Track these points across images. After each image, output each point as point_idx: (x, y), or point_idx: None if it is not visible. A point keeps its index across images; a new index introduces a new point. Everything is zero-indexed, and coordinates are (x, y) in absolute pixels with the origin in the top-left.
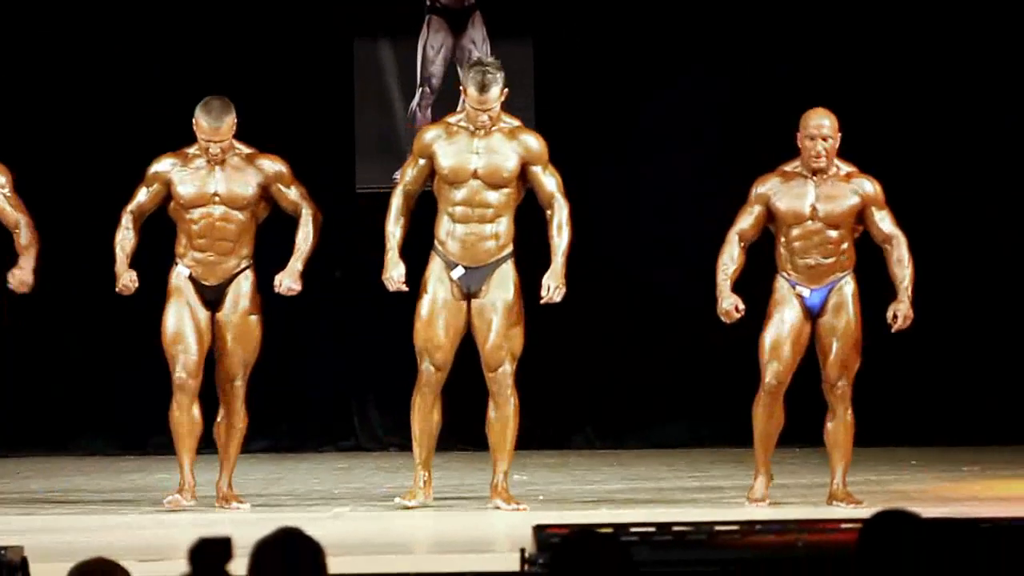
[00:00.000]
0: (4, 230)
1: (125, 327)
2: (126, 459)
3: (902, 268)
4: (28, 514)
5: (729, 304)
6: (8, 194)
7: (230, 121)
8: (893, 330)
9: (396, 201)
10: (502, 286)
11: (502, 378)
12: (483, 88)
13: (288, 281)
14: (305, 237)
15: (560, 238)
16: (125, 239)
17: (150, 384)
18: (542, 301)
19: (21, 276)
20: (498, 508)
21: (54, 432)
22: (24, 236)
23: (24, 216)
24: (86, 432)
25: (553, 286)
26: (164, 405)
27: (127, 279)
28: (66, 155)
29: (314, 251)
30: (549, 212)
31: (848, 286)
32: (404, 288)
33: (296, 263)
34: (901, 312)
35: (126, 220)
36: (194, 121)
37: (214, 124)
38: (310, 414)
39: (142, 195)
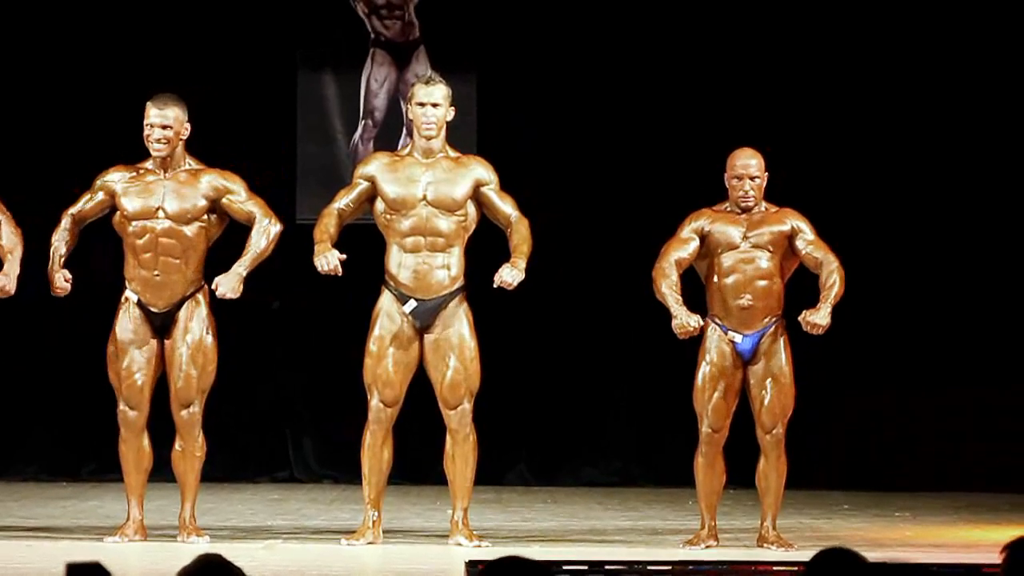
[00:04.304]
0: None
1: (62, 348)
2: (59, 485)
3: (829, 283)
4: None
5: (694, 321)
6: None
7: (178, 112)
8: (803, 327)
9: (324, 220)
10: (457, 321)
11: (461, 415)
12: (429, 80)
13: (225, 287)
14: (256, 242)
15: (525, 245)
16: (61, 240)
17: (86, 409)
18: (495, 284)
19: (3, 283)
20: (459, 545)
21: None
22: (5, 236)
23: (4, 214)
24: (19, 457)
25: (510, 271)
26: (99, 430)
27: (60, 280)
28: (12, 170)
29: (262, 261)
30: (509, 230)
31: (778, 331)
32: (340, 272)
33: (240, 267)
34: (813, 318)
35: (65, 222)
36: (144, 115)
37: (160, 109)
38: (245, 444)
39: (85, 201)
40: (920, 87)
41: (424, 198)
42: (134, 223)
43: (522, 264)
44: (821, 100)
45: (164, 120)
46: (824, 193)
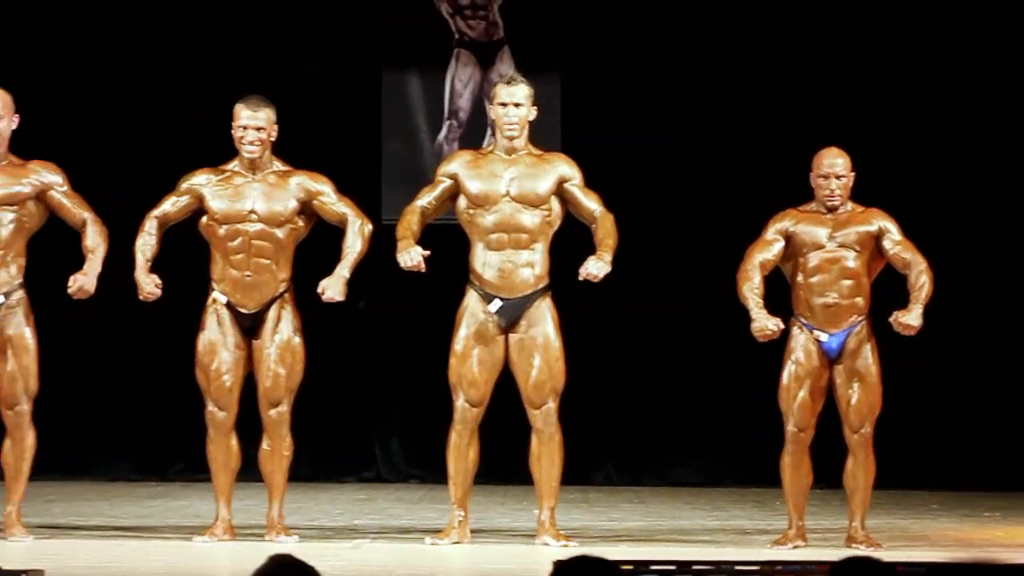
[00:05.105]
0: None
1: (152, 350)
2: (148, 485)
3: (919, 283)
4: (50, 539)
5: (773, 324)
6: (67, 192)
7: (269, 113)
8: (895, 328)
9: (407, 217)
10: (542, 321)
11: (547, 415)
12: (511, 80)
13: (332, 291)
14: (352, 244)
15: (611, 239)
16: (147, 244)
17: (174, 409)
18: (581, 276)
19: (83, 282)
20: (546, 544)
21: (76, 457)
22: (90, 236)
23: (90, 213)
24: (109, 457)
25: (595, 263)
26: (187, 431)
27: (150, 285)
28: (96, 179)
29: (360, 261)
30: (594, 225)
31: (865, 329)
32: (423, 268)
33: (343, 270)
34: (905, 319)
35: (149, 225)
36: (233, 117)
37: (253, 111)
38: (332, 443)
39: (169, 203)
40: (1012, 92)
41: (507, 194)
42: (224, 226)
43: (608, 257)
44: (908, 100)
45: (257, 122)
46: (909, 193)
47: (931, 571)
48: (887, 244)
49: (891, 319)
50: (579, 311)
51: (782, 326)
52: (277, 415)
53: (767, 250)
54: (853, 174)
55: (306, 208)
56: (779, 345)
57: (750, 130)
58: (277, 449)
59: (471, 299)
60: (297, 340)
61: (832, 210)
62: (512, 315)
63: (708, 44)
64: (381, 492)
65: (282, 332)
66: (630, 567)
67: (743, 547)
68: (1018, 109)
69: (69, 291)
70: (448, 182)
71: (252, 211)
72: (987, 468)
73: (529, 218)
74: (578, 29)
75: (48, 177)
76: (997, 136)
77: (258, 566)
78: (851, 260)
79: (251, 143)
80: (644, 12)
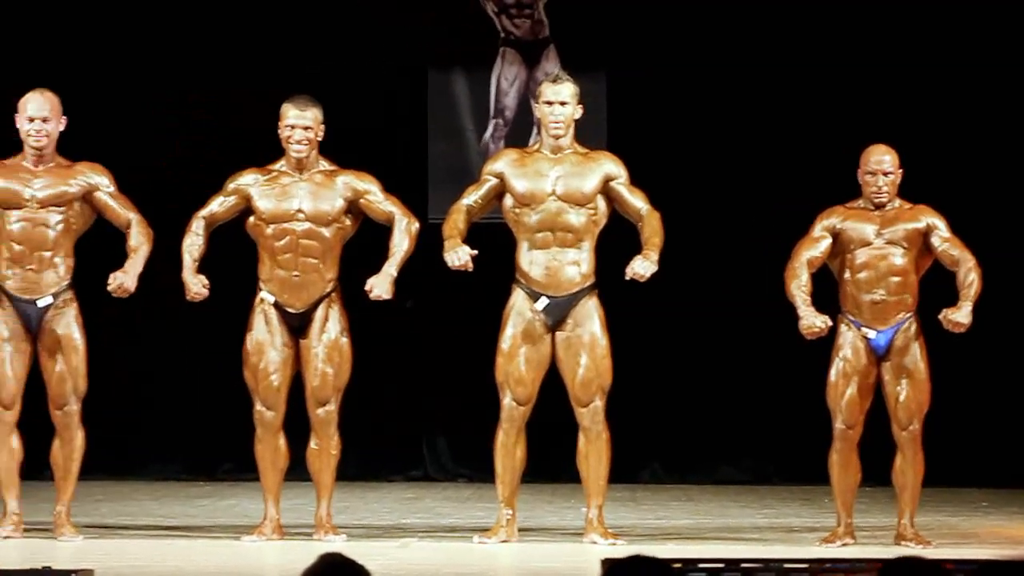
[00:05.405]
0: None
1: (200, 350)
2: (196, 484)
3: (968, 281)
4: (98, 538)
5: (820, 321)
6: (113, 193)
7: (316, 113)
8: (944, 326)
9: (453, 216)
10: (589, 319)
11: (594, 413)
12: (556, 78)
13: (380, 289)
14: (400, 243)
15: (657, 238)
16: (193, 245)
17: (223, 409)
18: (627, 276)
19: (122, 280)
20: (594, 543)
21: (125, 456)
22: (134, 236)
23: (136, 214)
24: (157, 457)
25: (642, 262)
26: (236, 430)
27: (198, 285)
28: (142, 179)
29: (408, 260)
30: (641, 223)
31: (913, 326)
32: (470, 266)
33: (390, 268)
34: (954, 317)
35: (196, 225)
36: (280, 117)
37: (301, 110)
38: (379, 442)
39: (216, 203)
40: None
41: (553, 192)
42: (272, 225)
43: (654, 256)
44: (958, 96)
45: (305, 121)
46: (958, 189)
47: (981, 569)
48: (935, 241)
49: (940, 316)
50: (626, 309)
51: (830, 323)
52: (325, 414)
53: (814, 247)
54: (901, 171)
55: (353, 207)
56: (827, 342)
57: (797, 127)
58: (325, 448)
59: (518, 298)
60: (345, 339)
61: (880, 207)
62: (559, 313)
63: (754, 40)
64: (429, 491)
65: (330, 331)
66: (678, 565)
67: (791, 545)
68: None
69: (109, 288)
70: (494, 181)
71: (299, 210)
72: None
73: (575, 217)
74: (624, 27)
75: (95, 178)
76: None
77: (308, 565)
78: (899, 257)
79: (298, 142)
80: (689, 9)
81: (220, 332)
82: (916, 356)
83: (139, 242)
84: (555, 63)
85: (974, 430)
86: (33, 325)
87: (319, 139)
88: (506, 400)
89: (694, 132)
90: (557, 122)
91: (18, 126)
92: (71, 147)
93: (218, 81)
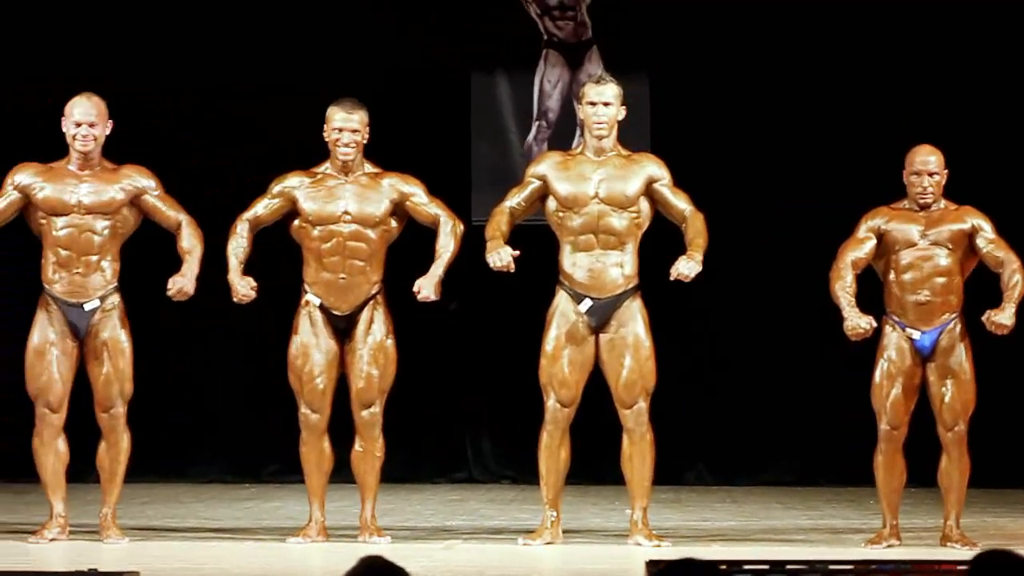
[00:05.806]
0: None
1: (246, 352)
2: (242, 486)
3: (1012, 282)
4: (144, 540)
5: (865, 323)
6: (160, 195)
7: (363, 115)
8: (987, 327)
9: (496, 218)
10: (632, 320)
11: (638, 414)
12: (599, 79)
13: (427, 290)
14: (446, 244)
15: (701, 239)
16: (239, 247)
17: (268, 411)
18: (672, 276)
19: (182, 284)
20: (639, 544)
21: (171, 459)
22: (186, 238)
23: (185, 215)
24: (203, 459)
25: (686, 263)
26: (281, 433)
27: (246, 287)
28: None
29: (454, 260)
30: (684, 225)
31: (958, 327)
32: (513, 268)
33: (438, 269)
34: (998, 318)
35: (241, 228)
36: (326, 120)
37: (348, 113)
38: (423, 444)
39: (261, 206)
40: None
41: (596, 195)
42: (318, 228)
43: (699, 257)
44: (1004, 97)
45: (351, 124)
46: (1003, 191)
47: None
48: (980, 242)
49: (984, 318)
50: (670, 310)
51: (875, 324)
52: (370, 416)
53: (859, 248)
54: (946, 171)
55: (398, 209)
56: (872, 344)
57: (841, 128)
58: (369, 450)
59: (561, 299)
60: (389, 342)
61: (924, 208)
62: (602, 315)
63: (799, 40)
64: (473, 493)
65: (375, 334)
66: (723, 567)
67: (837, 546)
68: None
69: (168, 293)
70: (537, 183)
71: (345, 212)
72: None
73: (618, 220)
74: (666, 28)
75: (141, 181)
76: None
77: (349, 568)
78: (943, 258)
79: (346, 145)
80: (732, 10)
81: (265, 335)
82: (961, 357)
83: (192, 244)
84: (598, 65)
85: (1019, 431)
86: (80, 329)
87: (365, 142)
88: (550, 402)
89: (737, 133)
90: (601, 123)
91: (64, 130)
92: (113, 150)
93: (261, 84)
